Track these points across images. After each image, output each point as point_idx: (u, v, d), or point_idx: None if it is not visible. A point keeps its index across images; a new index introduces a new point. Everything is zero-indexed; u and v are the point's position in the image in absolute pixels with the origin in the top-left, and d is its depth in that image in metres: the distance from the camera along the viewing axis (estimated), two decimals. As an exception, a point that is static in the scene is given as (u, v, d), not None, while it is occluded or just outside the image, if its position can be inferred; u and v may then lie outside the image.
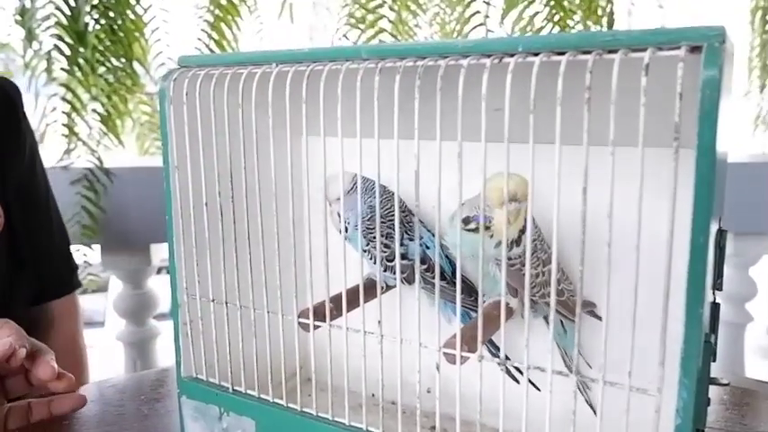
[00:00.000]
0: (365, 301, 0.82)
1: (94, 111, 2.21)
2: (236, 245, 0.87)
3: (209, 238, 0.88)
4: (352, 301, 0.82)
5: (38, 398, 0.96)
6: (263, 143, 0.82)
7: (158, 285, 2.40)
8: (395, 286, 0.83)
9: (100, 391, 1.17)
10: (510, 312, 0.82)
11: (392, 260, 0.89)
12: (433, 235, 0.90)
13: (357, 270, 0.83)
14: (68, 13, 2.12)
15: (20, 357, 0.87)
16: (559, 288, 0.84)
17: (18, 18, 2.11)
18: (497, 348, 0.87)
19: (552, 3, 2.21)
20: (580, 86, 0.59)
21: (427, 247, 0.90)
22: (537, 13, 2.20)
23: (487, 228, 0.79)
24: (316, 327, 0.84)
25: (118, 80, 2.26)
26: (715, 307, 0.71)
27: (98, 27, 2.18)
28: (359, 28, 2.25)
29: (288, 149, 0.79)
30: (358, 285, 0.82)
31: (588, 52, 0.61)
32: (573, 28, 2.23)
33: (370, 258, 0.91)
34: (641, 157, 0.57)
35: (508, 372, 0.84)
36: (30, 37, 2.11)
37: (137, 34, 2.27)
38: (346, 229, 0.91)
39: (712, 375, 0.68)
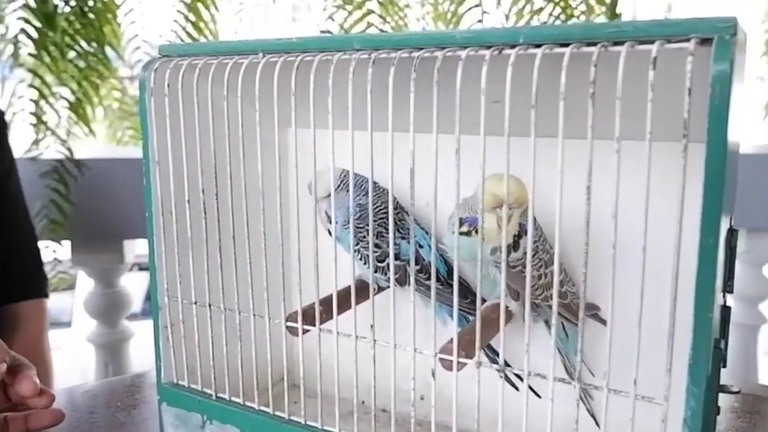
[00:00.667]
0: (356, 304, 0.82)
1: (64, 98, 2.22)
2: (221, 244, 0.87)
3: (191, 236, 0.89)
4: (343, 304, 0.83)
5: (14, 411, 0.96)
6: (250, 137, 0.82)
7: (131, 284, 2.40)
8: (388, 288, 0.84)
9: (71, 398, 1.17)
10: (510, 316, 0.84)
11: (384, 260, 0.90)
12: (427, 233, 0.91)
13: (348, 271, 0.84)
14: (36, -6, 2.13)
15: (0, 372, 0.88)
16: (562, 290, 0.85)
17: (-18, 0, 2.11)
18: (496, 354, 0.88)
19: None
20: (584, 80, 0.60)
21: (420, 246, 0.91)
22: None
23: (476, 231, 0.80)
24: (304, 331, 0.84)
25: (89, 65, 2.26)
26: (725, 310, 0.72)
27: (68, 9, 2.18)
28: (345, 9, 2.25)
29: (275, 144, 0.80)
30: (349, 287, 0.83)
31: (593, 44, 0.62)
32: (575, 8, 2.24)
33: (361, 259, 0.92)
34: (648, 155, 0.59)
35: (507, 379, 0.85)
36: (-5, 20, 2.11)
37: (109, 16, 2.27)
38: (336, 229, 0.92)
39: (722, 382, 0.70)
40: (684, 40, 0.58)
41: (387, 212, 0.75)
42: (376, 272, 0.91)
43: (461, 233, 0.79)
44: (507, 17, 2.16)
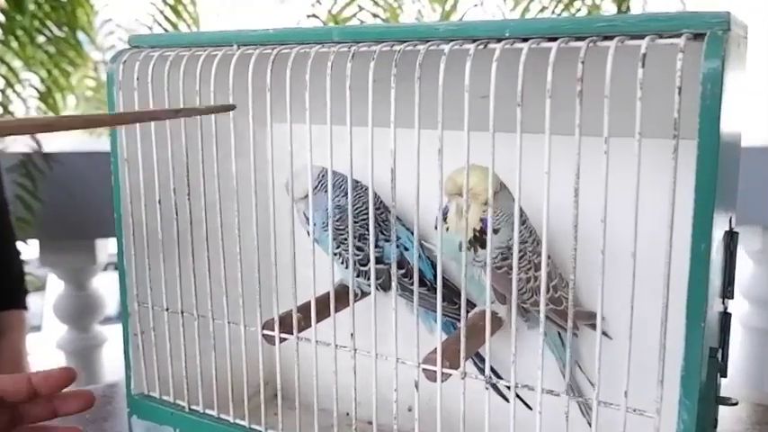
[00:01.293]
0: (337, 311, 0.84)
1: (32, 86, 2.21)
2: (193, 247, 0.88)
3: (162, 239, 0.90)
4: (323, 311, 0.84)
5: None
6: (224, 134, 0.83)
7: (105, 285, 2.39)
8: (370, 293, 0.85)
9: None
10: (499, 323, 0.85)
11: (366, 264, 0.91)
12: (413, 234, 0.91)
13: (328, 276, 0.84)
14: (4, -24, 2.13)
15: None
16: (557, 296, 0.85)
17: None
18: (483, 363, 0.89)
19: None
20: (572, 76, 0.61)
21: (405, 249, 0.92)
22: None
23: (444, 220, 0.81)
24: (282, 339, 0.85)
25: (59, 51, 2.25)
26: (725, 317, 0.73)
27: (37, -9, 2.18)
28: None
29: (251, 141, 0.81)
30: (328, 293, 0.83)
31: (582, 39, 0.63)
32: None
33: (342, 262, 0.93)
34: (638, 155, 0.60)
35: (496, 389, 0.86)
36: (-41, 3, 2.11)
37: (81, -1, 2.27)
38: (314, 231, 0.92)
39: (729, 393, 0.71)
40: (676, 35, 0.59)
41: (368, 213, 0.76)
42: (358, 276, 0.91)
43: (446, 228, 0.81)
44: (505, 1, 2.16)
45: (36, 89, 2.21)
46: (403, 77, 0.70)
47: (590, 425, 0.88)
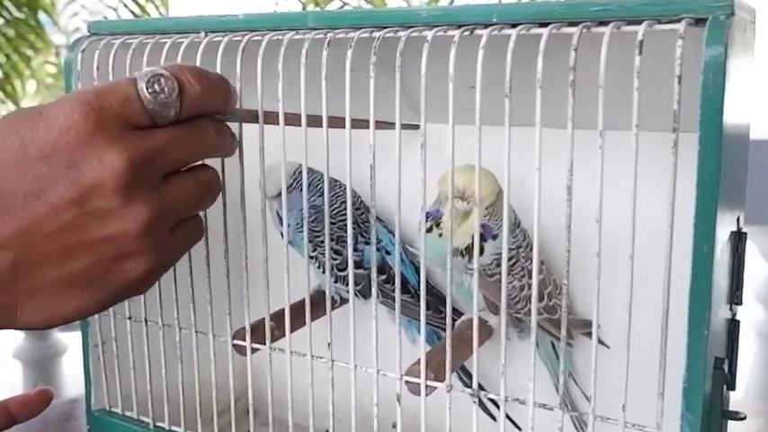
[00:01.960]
0: (313, 319, 0.83)
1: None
2: (158, 250, 0.88)
3: (124, 241, 0.89)
4: (298, 319, 0.84)
5: None
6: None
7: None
8: (348, 300, 0.85)
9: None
10: (488, 332, 0.85)
11: (344, 269, 0.91)
12: (395, 237, 0.91)
13: (303, 281, 0.84)
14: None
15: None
16: (551, 304, 0.85)
17: None
18: (470, 376, 0.89)
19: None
20: (564, 64, 0.61)
21: (387, 253, 0.92)
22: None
23: (438, 225, 0.81)
24: (254, 350, 0.85)
25: (19, 34, 2.24)
26: (733, 325, 0.73)
27: (-5, -32, 2.18)
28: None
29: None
30: (304, 300, 0.83)
31: (575, 24, 0.63)
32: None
33: (318, 267, 0.93)
34: (635, 149, 0.60)
35: (482, 405, 0.86)
36: None
37: (43, -24, 2.26)
38: (288, 232, 0.92)
39: (732, 408, 0.71)
40: (675, 20, 0.60)
41: (346, 213, 0.75)
42: (335, 282, 0.91)
43: (427, 231, 0.81)
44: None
45: (-7, 76, 2.20)
46: (383, 66, 0.70)
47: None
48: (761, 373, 2.41)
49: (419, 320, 0.78)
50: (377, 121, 0.71)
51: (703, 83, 0.57)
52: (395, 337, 0.78)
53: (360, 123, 0.71)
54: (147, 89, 0.58)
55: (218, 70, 0.78)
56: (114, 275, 0.59)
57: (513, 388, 0.71)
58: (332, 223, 0.79)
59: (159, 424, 0.92)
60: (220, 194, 0.78)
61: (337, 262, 0.91)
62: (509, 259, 0.77)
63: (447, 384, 0.75)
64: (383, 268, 0.90)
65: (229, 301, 0.85)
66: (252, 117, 0.75)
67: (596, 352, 0.65)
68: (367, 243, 0.91)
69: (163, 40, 0.84)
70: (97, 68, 0.87)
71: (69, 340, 2.39)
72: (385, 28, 0.71)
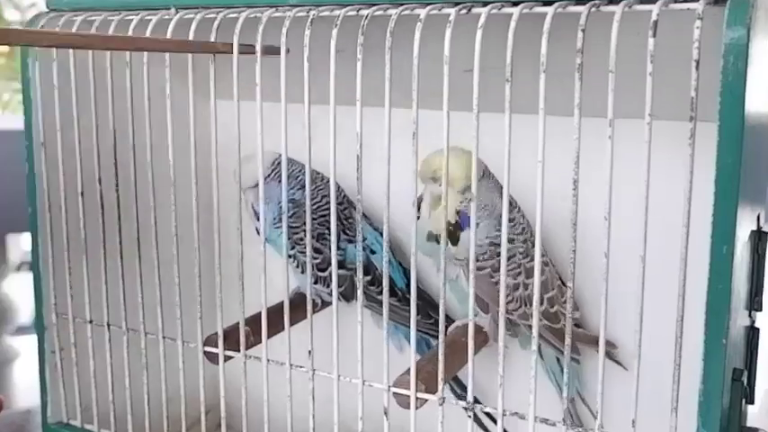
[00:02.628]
0: (292, 324, 0.82)
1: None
2: (122, 248, 0.87)
3: (85, 238, 0.89)
4: (275, 324, 0.83)
5: None
6: (159, 113, 0.82)
7: (17, 288, 2.36)
8: (330, 303, 0.84)
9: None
10: (484, 339, 0.84)
11: (325, 269, 0.90)
12: (381, 234, 0.90)
13: (281, 282, 0.83)
14: None
15: None
16: (552, 310, 0.85)
17: None
18: (464, 388, 0.88)
19: None
20: (571, 47, 0.60)
21: (372, 252, 0.91)
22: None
23: (419, 209, 0.80)
24: (227, 358, 0.84)
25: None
26: (752, 333, 0.73)
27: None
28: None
29: (191, 122, 0.80)
30: (282, 303, 0.82)
31: (583, 2, 0.62)
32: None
33: (297, 266, 0.92)
34: (648, 140, 0.59)
35: (478, 419, 0.85)
36: None
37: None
38: (265, 228, 0.91)
39: (751, 425, 0.70)
40: (694, -1, 0.59)
41: (329, 208, 0.75)
42: (316, 283, 0.90)
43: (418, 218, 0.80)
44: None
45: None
46: (371, 47, 0.69)
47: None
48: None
49: (406, 326, 0.77)
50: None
51: (723, 68, 0.56)
52: (381, 345, 0.77)
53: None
54: None
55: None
56: None
57: (512, 401, 0.71)
58: (312, 219, 0.78)
59: (122, 438, 0.91)
60: (192, 187, 0.77)
61: (317, 261, 0.90)
62: (497, 255, 0.76)
63: (439, 397, 0.74)
64: (367, 269, 0.89)
65: (200, 303, 0.84)
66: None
67: (603, 365, 0.65)
68: (350, 241, 0.91)
69: (129, 17, 0.82)
70: (56, 48, 0.86)
71: (21, 345, 2.37)
72: (374, 5, 0.70)
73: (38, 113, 0.89)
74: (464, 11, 0.66)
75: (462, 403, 0.74)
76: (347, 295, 0.90)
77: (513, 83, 0.63)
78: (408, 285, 0.81)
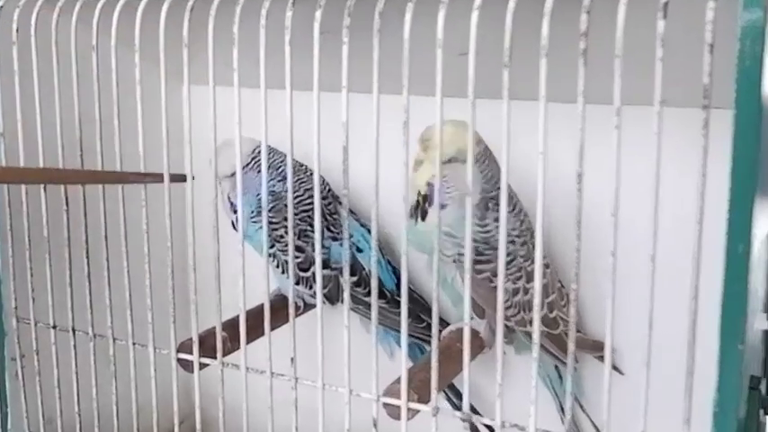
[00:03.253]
0: (273, 329, 0.82)
1: None
2: (88, 247, 0.87)
3: (48, 236, 0.88)
4: (255, 328, 0.82)
5: None
6: (129, 101, 0.81)
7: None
8: (314, 306, 0.84)
9: None
10: (480, 345, 0.84)
11: (308, 269, 0.90)
12: (369, 231, 0.90)
13: (261, 283, 0.83)
14: None
15: None
16: (551, 316, 0.84)
17: None
18: (460, 397, 0.88)
19: None
20: (574, 29, 0.60)
21: (359, 251, 0.91)
22: None
23: None
24: (202, 365, 0.84)
25: None
26: (770, 338, 0.73)
27: None
28: None
29: (162, 109, 0.79)
30: (262, 305, 0.82)
31: (587, -18, 0.62)
32: None
33: (278, 266, 0.91)
34: (658, 129, 0.59)
35: (474, 429, 0.85)
36: None
37: None
38: (242, 222, 0.90)
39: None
40: (706, -22, 0.59)
41: (312, 203, 0.75)
42: (297, 284, 0.90)
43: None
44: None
45: None
46: (359, 30, 0.68)
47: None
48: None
49: (397, 330, 0.77)
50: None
51: (739, 52, 0.56)
52: (369, 351, 0.77)
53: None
54: None
55: (162, 34, 0.77)
56: None
57: (508, 410, 0.70)
58: (294, 215, 0.77)
59: (89, 452, 0.91)
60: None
61: (299, 260, 0.89)
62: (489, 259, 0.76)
63: (433, 407, 0.74)
64: (354, 268, 0.89)
65: (173, 307, 0.84)
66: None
67: (610, 373, 0.64)
68: (334, 239, 0.90)
69: (97, -2, 0.82)
70: (16, 30, 0.85)
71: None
72: (361, -15, 0.70)
73: (-4, 101, 0.88)
74: (459, -9, 0.66)
75: (458, 414, 0.73)
76: (332, 297, 0.90)
77: (512, 68, 0.63)
78: (398, 286, 0.81)
